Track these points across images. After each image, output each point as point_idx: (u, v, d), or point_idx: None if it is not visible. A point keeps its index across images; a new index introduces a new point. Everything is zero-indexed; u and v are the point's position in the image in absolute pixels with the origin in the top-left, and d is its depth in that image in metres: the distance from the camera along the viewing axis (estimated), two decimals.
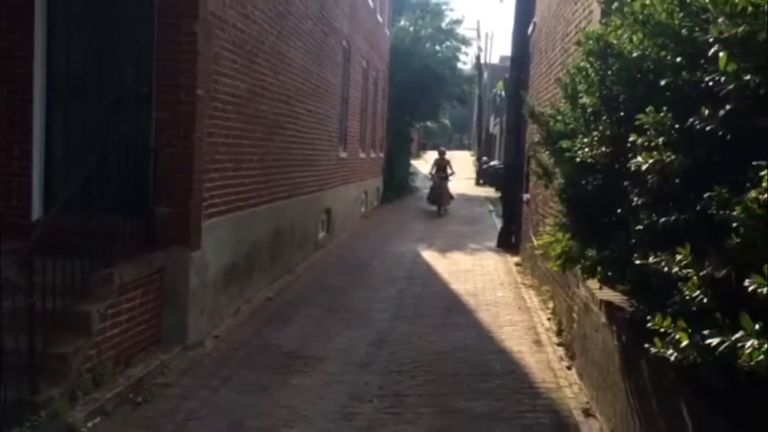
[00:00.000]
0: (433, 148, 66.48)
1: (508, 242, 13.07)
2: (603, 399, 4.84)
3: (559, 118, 4.89)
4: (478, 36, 43.54)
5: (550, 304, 7.85)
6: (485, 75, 44.92)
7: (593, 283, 5.13)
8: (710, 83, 2.17)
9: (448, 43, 27.70)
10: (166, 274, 6.11)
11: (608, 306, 4.69)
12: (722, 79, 2.07)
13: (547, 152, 4.93)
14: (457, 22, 28.46)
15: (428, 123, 37.56)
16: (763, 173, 1.84)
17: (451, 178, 20.01)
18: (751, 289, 1.94)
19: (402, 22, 26.05)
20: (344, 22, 13.63)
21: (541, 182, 5.66)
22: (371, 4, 17.66)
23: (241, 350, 6.44)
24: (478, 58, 42.22)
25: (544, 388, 5.62)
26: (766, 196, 1.85)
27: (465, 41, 28.91)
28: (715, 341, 2.19)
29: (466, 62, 34.78)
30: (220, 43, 6.66)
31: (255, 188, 8.06)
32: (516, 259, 11.74)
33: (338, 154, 13.77)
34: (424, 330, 7.35)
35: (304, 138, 10.55)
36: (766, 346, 1.92)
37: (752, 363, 2.04)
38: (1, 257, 4.51)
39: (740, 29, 1.88)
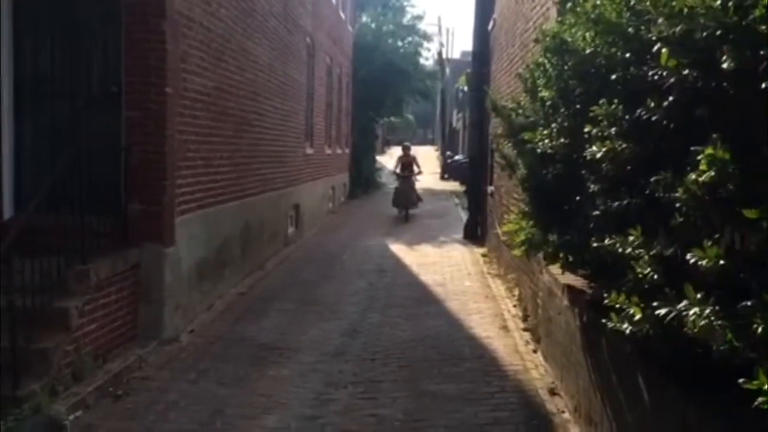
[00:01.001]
0: (398, 144, 66.18)
1: (474, 234, 13.36)
2: (567, 378, 5.10)
3: (520, 111, 5.12)
4: (440, 31, 43.99)
5: (516, 292, 8.12)
6: (447, 70, 45.25)
7: (556, 269, 5.37)
8: (655, 77, 2.40)
9: (410, 39, 27.94)
10: (140, 271, 6.20)
11: (570, 289, 4.95)
12: (664, 73, 2.30)
13: (509, 144, 5.16)
14: (419, 17, 28.77)
15: (392, 118, 37.82)
16: (700, 157, 2.07)
17: (418, 177, 17.85)
18: (692, 262, 2.17)
19: (364, 19, 26.22)
20: (307, 20, 13.74)
21: (505, 174, 5.91)
22: (333, 1, 17.78)
23: (216, 344, 6.56)
24: (440, 53, 42.54)
25: (512, 370, 5.87)
26: (703, 178, 2.08)
27: (427, 37, 29.21)
28: (663, 311, 2.42)
29: (428, 58, 34.96)
30: (187, 42, 6.75)
31: (225, 185, 8.16)
32: (482, 250, 12.02)
33: (305, 151, 13.89)
34: (395, 320, 7.56)
35: (271, 134, 10.66)
36: (706, 312, 2.15)
37: (695, 330, 2.27)
38: None
39: (678, 29, 2.11)
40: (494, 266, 10.35)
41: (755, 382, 1.86)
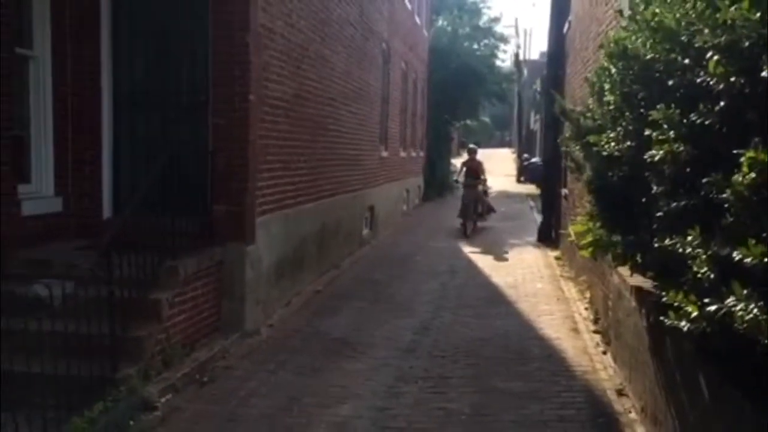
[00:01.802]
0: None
1: (548, 237, 13.30)
2: (635, 379, 5.14)
3: (588, 114, 5.20)
4: (517, 33, 43.52)
5: (587, 294, 8.12)
6: (525, 72, 44.83)
7: (625, 271, 5.42)
8: (705, 84, 2.50)
9: (486, 41, 27.94)
10: (224, 267, 6.62)
11: (638, 291, 4.99)
12: (713, 81, 2.40)
13: (577, 147, 5.25)
14: (495, 20, 28.73)
15: (468, 121, 37.73)
16: (742, 159, 2.17)
17: (488, 185, 16.31)
18: (737, 259, 2.27)
19: (440, 22, 26.36)
20: (383, 26, 14.06)
21: (576, 176, 5.97)
22: (409, 6, 18.05)
23: (294, 337, 6.92)
24: (516, 55, 42.21)
25: (580, 370, 5.94)
26: (747, 179, 2.18)
27: (503, 39, 29.17)
28: (713, 308, 2.52)
29: (504, 60, 34.86)
30: (269, 52, 7.14)
31: (303, 186, 8.55)
32: (555, 253, 11.98)
33: (380, 154, 14.21)
34: (465, 319, 7.72)
35: (347, 138, 11.01)
36: (752, 307, 2.25)
37: (744, 325, 2.37)
38: (80, 252, 5.06)
39: (722, 39, 2.21)
40: (567, 269, 10.32)
41: None
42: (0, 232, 5.82)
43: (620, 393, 5.30)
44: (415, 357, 6.35)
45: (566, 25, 11.76)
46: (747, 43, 2.12)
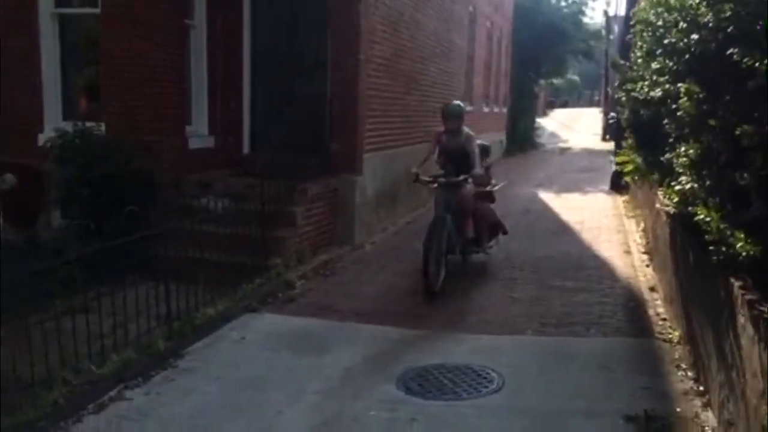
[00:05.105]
0: (562, 106, 63.48)
1: (620, 185, 14.35)
2: (662, 278, 6.50)
3: (635, 68, 6.49)
4: None
5: (642, 225, 9.38)
6: (615, 28, 44.24)
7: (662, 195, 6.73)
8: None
9: None
10: (338, 193, 8.35)
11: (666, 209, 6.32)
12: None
13: (622, 93, 6.56)
14: None
15: (554, 80, 37.95)
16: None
17: (494, 182, 8.37)
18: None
19: None
20: None
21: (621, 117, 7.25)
22: None
23: (391, 252, 8.60)
24: (605, 12, 41.76)
25: (624, 276, 7.34)
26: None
27: None
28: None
29: (593, 17, 34.92)
30: (374, 18, 8.69)
31: (397, 133, 10.13)
32: (625, 197, 13.11)
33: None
34: (533, 244, 9.16)
35: (434, 92, 12.47)
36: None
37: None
38: (232, 178, 6.84)
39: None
40: (631, 210, 11.51)
41: None
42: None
43: (652, 289, 6.68)
44: (490, 267, 7.88)
45: None
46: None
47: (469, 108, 15.94)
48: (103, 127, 7.51)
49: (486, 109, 19.06)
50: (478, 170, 7.02)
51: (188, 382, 4.51)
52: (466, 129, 7.20)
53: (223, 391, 4.40)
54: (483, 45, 17.91)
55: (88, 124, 7.43)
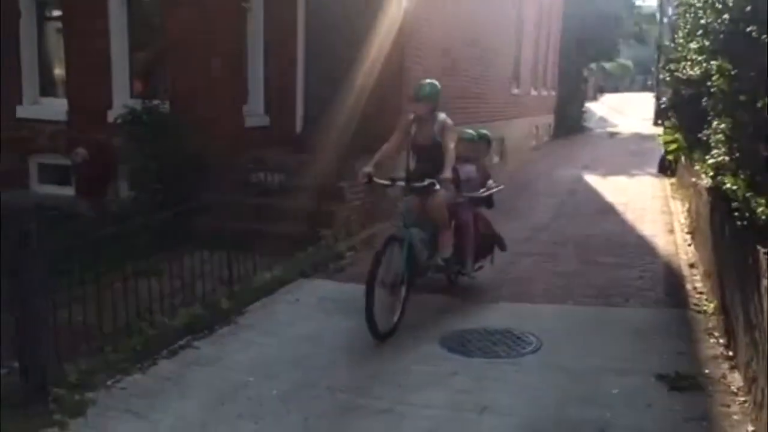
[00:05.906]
0: (613, 91, 62.27)
1: (667, 167, 14.30)
2: (703, 255, 6.64)
3: (678, 48, 6.62)
4: None
5: (686, 205, 9.45)
6: (671, 11, 43.21)
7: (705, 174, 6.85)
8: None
9: None
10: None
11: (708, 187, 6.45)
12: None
13: (667, 74, 6.70)
14: None
15: (605, 64, 37.39)
16: None
17: (491, 182, 6.55)
18: None
19: None
20: None
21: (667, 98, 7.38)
22: None
23: None
24: None
25: (665, 253, 7.49)
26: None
27: None
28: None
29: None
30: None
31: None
32: (672, 180, 13.08)
33: (511, 91, 15.68)
34: (577, 223, 9.34)
35: (485, 75, 12.66)
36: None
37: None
38: (286, 155, 7.23)
39: None
40: (679, 191, 11.52)
41: None
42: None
43: (692, 266, 6.83)
44: (532, 244, 8.11)
45: None
46: None
47: (515, 91, 16.07)
48: (167, 105, 7.99)
49: (534, 92, 19.08)
50: (447, 173, 5.14)
51: (249, 336, 4.95)
52: (442, 115, 5.53)
53: (281, 344, 4.82)
54: (531, 29, 17.91)
55: (155, 102, 7.92)
